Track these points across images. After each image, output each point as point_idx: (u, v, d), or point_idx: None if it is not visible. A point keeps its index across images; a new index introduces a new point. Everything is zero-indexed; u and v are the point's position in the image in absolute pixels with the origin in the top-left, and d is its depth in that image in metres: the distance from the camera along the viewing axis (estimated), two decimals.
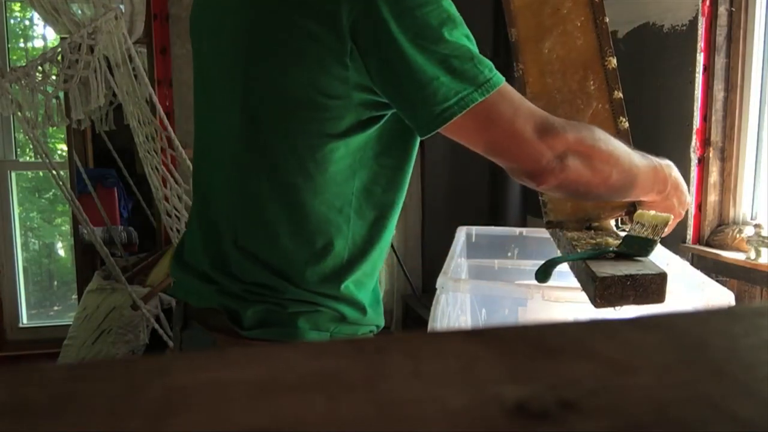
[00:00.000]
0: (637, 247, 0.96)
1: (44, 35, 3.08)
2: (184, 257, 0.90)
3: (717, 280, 1.06)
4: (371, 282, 0.89)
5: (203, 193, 0.90)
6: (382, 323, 0.93)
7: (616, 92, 1.04)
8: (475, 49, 0.73)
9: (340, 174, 0.80)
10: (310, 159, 0.78)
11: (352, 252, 0.84)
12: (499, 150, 0.78)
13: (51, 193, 3.20)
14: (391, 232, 0.89)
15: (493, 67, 0.74)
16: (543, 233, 1.51)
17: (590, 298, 0.87)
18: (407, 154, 0.86)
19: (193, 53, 0.92)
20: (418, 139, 0.84)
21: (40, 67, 2.49)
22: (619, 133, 1.02)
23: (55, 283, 3.23)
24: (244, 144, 0.81)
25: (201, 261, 0.86)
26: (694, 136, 1.91)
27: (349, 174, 0.81)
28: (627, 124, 1.04)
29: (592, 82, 1.06)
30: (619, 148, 0.83)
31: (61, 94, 2.43)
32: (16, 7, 2.98)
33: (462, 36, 0.73)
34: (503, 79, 0.74)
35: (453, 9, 0.73)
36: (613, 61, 1.05)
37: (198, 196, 0.92)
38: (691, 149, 1.91)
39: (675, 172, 0.94)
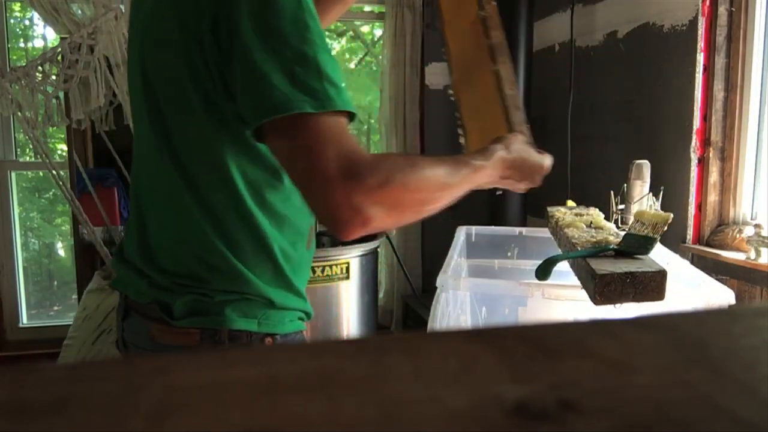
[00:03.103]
0: (637, 245, 0.96)
1: (44, 35, 3.08)
2: (123, 253, 0.95)
3: (717, 280, 1.06)
4: (299, 268, 0.92)
5: (136, 194, 0.94)
6: (311, 311, 0.96)
7: (479, 12, 1.13)
8: (332, 72, 0.72)
9: (241, 167, 0.82)
10: (206, 153, 0.81)
11: (272, 240, 0.86)
12: (305, 179, 0.72)
13: (51, 193, 3.19)
14: (305, 220, 0.92)
15: (344, 96, 0.73)
16: (543, 233, 1.51)
17: (590, 296, 0.87)
18: None
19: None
20: None
21: (40, 67, 2.49)
22: (491, 47, 1.10)
23: (55, 283, 3.23)
24: (156, 143, 0.85)
25: (135, 256, 0.91)
26: (694, 136, 1.91)
27: (248, 166, 0.83)
28: (489, 41, 1.11)
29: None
30: (432, 173, 0.78)
31: (61, 94, 2.42)
32: (16, 7, 2.97)
33: (324, 53, 0.73)
34: (345, 108, 0.72)
35: (316, 26, 0.74)
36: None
37: (132, 195, 0.96)
38: (691, 149, 1.91)
39: (510, 154, 0.89)
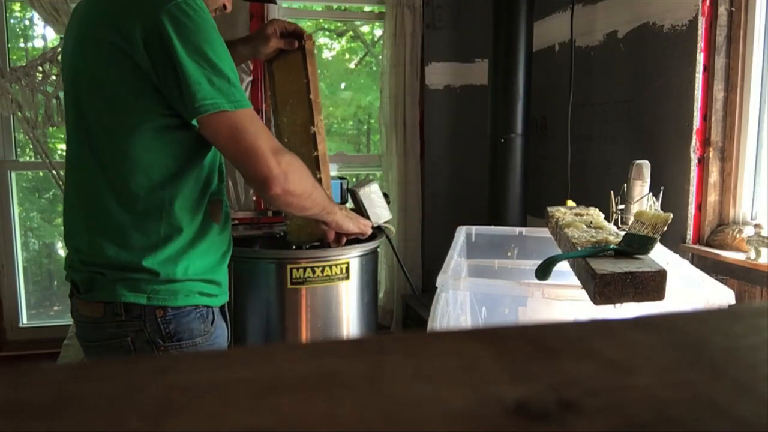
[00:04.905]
0: (637, 245, 0.96)
1: (44, 35, 3.08)
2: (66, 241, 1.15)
3: (717, 280, 1.06)
4: (202, 247, 1.08)
5: (66, 193, 1.13)
6: (222, 280, 1.14)
7: (311, 127, 1.45)
8: (233, 77, 1.00)
9: (152, 166, 1.01)
10: (121, 150, 1.01)
11: (176, 224, 1.05)
12: (243, 158, 1.01)
13: (51, 193, 3.19)
14: (202, 205, 1.10)
15: (244, 96, 1.01)
16: (543, 233, 1.51)
17: (590, 296, 0.87)
18: (197, 149, 1.07)
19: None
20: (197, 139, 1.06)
21: (40, 67, 2.49)
22: (316, 158, 1.45)
23: (55, 283, 3.22)
24: (77, 138, 1.05)
25: (67, 244, 1.12)
26: (694, 136, 1.91)
27: (160, 160, 1.02)
28: (316, 153, 1.46)
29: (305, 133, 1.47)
30: (318, 186, 1.17)
31: (61, 94, 2.42)
32: (16, 7, 2.97)
33: (225, 64, 0.99)
34: (250, 105, 1.01)
35: (219, 41, 0.99)
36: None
37: (64, 195, 1.15)
38: (691, 149, 1.91)
39: (346, 212, 1.33)
